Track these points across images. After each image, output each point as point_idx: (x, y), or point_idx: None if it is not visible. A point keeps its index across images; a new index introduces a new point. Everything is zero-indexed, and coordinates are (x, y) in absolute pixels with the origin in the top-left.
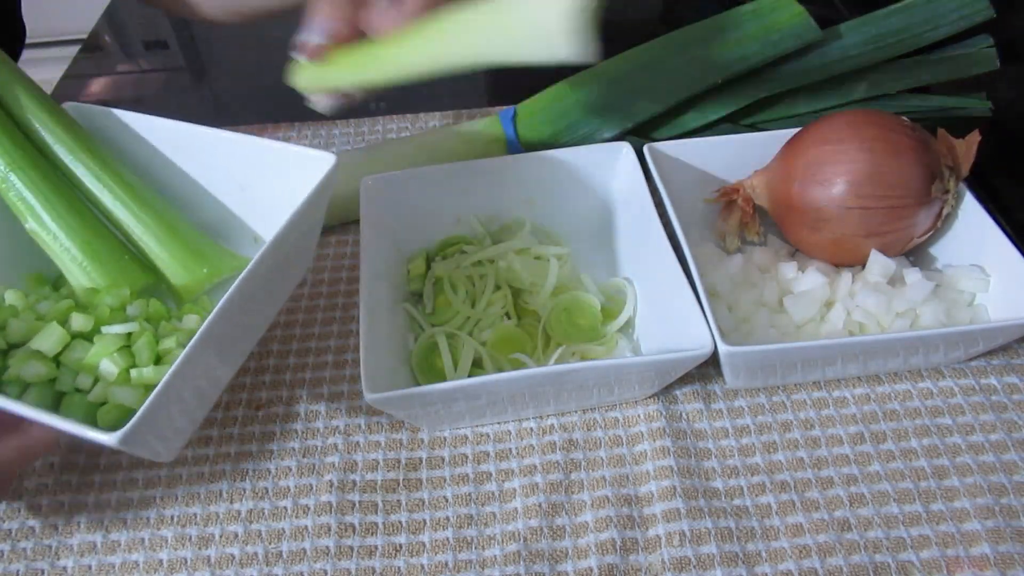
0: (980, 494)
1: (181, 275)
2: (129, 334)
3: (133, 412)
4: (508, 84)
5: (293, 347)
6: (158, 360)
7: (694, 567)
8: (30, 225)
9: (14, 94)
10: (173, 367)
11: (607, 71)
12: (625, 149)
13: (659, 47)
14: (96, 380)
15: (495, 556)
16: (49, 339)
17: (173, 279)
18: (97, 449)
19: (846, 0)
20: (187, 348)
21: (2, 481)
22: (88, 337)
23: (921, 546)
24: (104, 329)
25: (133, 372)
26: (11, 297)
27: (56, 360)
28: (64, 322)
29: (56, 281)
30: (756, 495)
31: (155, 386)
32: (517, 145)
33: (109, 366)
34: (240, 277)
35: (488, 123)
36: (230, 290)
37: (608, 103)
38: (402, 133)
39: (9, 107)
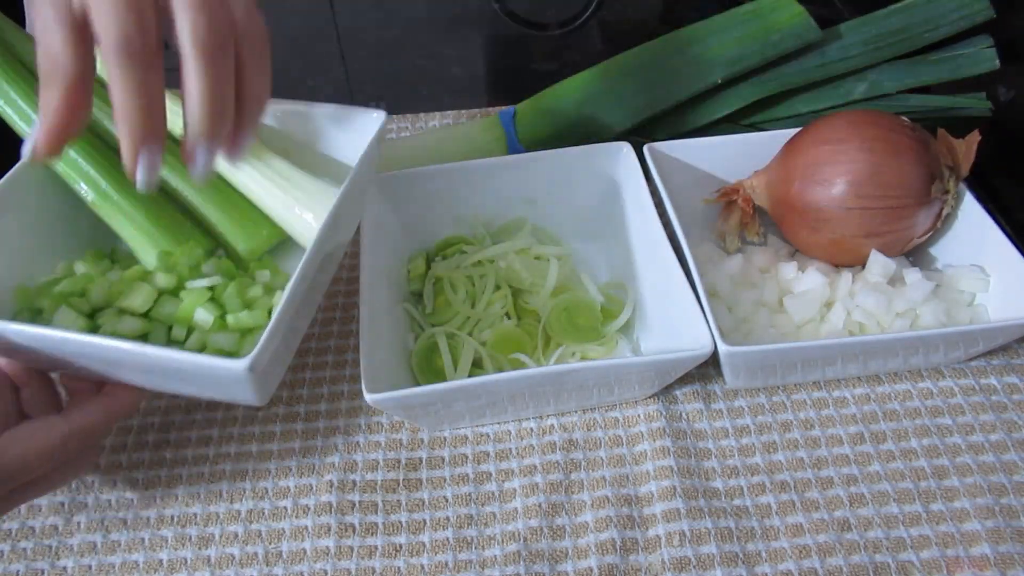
0: (980, 494)
1: (242, 238)
2: (212, 288)
3: (232, 355)
4: (508, 84)
5: None
6: (248, 307)
7: (694, 567)
8: (92, 198)
9: None
10: (290, 285)
11: (607, 71)
12: (625, 149)
13: (659, 47)
14: (190, 331)
15: (495, 556)
16: (139, 296)
17: (235, 242)
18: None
19: (846, 0)
20: (299, 268)
21: (92, 445)
22: (173, 293)
23: (921, 546)
24: (189, 284)
25: (229, 318)
26: (81, 268)
27: (145, 316)
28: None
29: (112, 254)
30: (756, 495)
31: (252, 330)
32: (517, 145)
33: (204, 315)
34: (327, 217)
35: (488, 123)
36: (323, 222)
37: (608, 103)
38: (402, 133)
39: None
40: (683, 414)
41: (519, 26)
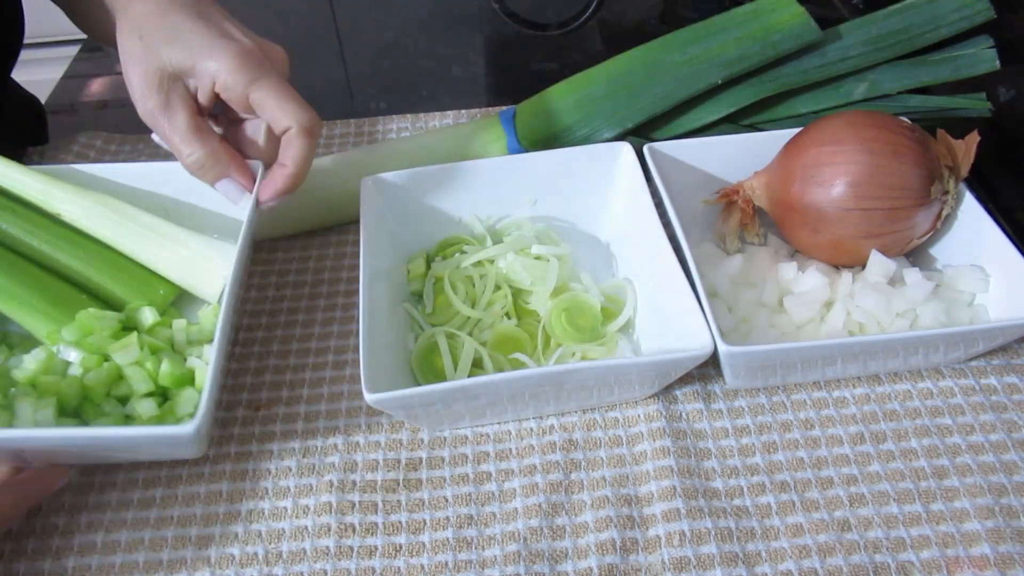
0: (980, 494)
1: (140, 300)
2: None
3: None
4: (508, 84)
5: (293, 347)
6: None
7: (694, 567)
8: None
9: None
10: (215, 343)
11: (607, 71)
12: (625, 149)
13: (659, 47)
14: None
15: (495, 556)
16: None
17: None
18: None
19: (846, 0)
20: (219, 325)
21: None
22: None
23: (921, 546)
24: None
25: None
26: None
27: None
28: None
29: (4, 339)
30: (756, 495)
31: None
32: (517, 145)
33: (139, 382)
34: (232, 272)
35: (488, 123)
36: (230, 278)
37: (608, 103)
38: (402, 133)
39: None
40: (683, 414)
41: (519, 26)
